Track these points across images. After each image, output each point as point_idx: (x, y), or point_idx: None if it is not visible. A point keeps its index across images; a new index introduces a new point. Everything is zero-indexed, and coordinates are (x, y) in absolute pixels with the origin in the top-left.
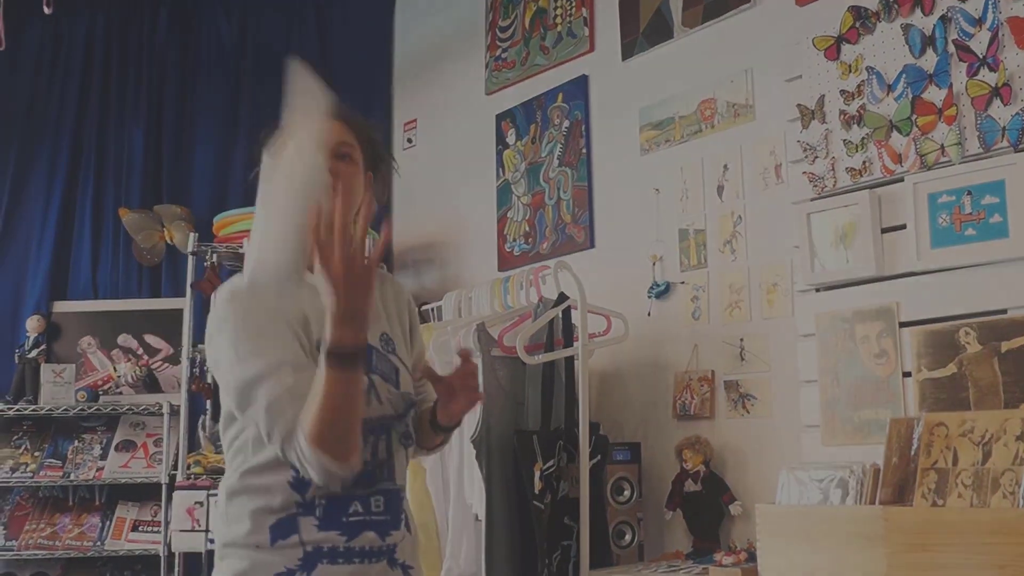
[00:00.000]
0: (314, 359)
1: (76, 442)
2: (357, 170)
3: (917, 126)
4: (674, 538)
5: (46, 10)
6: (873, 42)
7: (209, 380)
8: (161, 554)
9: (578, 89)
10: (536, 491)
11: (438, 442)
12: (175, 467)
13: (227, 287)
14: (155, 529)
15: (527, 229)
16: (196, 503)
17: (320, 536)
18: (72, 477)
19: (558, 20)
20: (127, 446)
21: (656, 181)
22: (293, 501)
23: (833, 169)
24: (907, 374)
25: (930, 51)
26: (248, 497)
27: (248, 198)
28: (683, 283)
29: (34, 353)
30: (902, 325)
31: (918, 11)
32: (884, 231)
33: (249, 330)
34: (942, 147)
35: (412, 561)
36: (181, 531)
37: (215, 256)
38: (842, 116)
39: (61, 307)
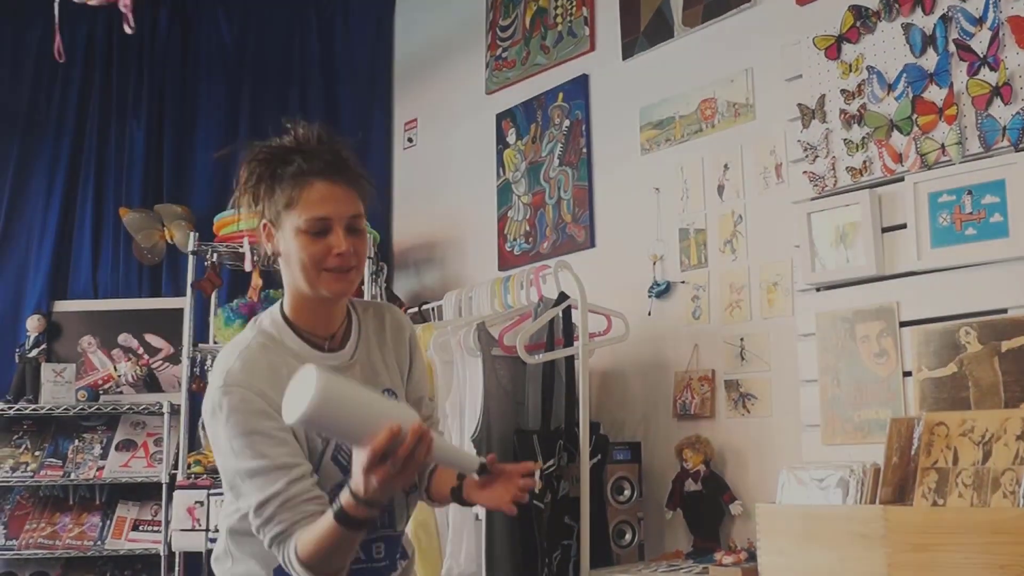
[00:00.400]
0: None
1: (76, 441)
2: (365, 238)
3: (918, 125)
4: (674, 538)
5: (128, 30)
6: (874, 41)
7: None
8: (161, 553)
9: (578, 88)
10: (536, 491)
11: (446, 502)
12: (175, 466)
13: (220, 369)
14: (155, 528)
15: (527, 228)
16: (196, 502)
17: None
18: (72, 476)
19: (558, 19)
20: (127, 445)
21: (656, 180)
22: None
23: (833, 168)
24: (907, 373)
25: (931, 50)
26: (252, 540)
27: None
28: (683, 283)
29: (34, 352)
30: (902, 324)
31: (919, 10)
32: (884, 230)
33: (241, 426)
34: (942, 146)
35: None
36: (181, 530)
37: (215, 255)
38: (842, 115)
39: (61, 306)
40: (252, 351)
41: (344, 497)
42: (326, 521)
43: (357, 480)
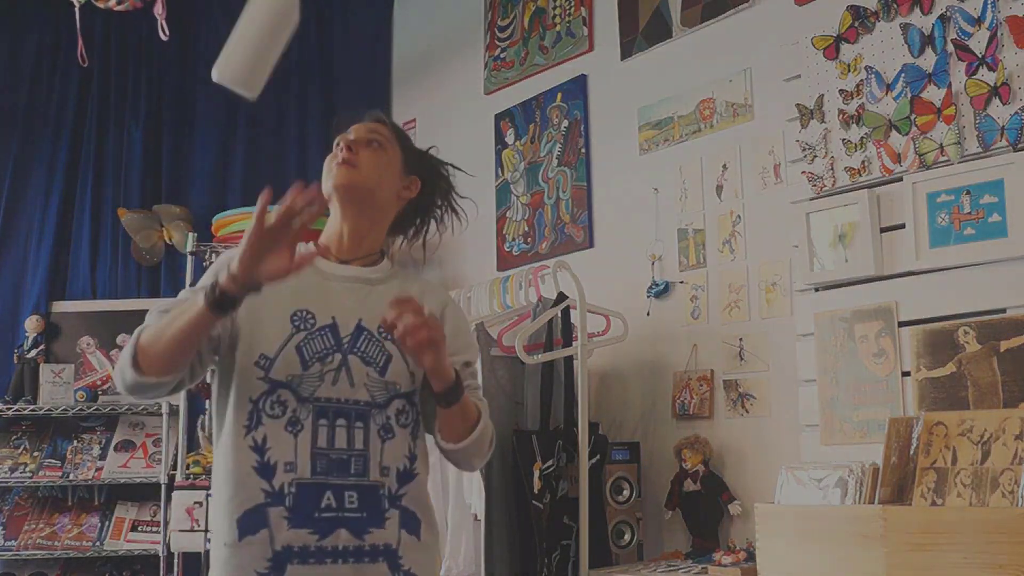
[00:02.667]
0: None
1: (75, 442)
2: (385, 156)
3: (916, 125)
4: (673, 538)
5: (163, 36)
6: (872, 41)
7: (208, 380)
8: (160, 554)
9: (577, 89)
10: (535, 491)
11: (459, 424)
12: (174, 467)
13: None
14: (154, 529)
15: (526, 229)
16: (195, 503)
17: (290, 534)
18: (71, 477)
19: (557, 20)
20: (126, 446)
21: (655, 181)
22: (260, 489)
23: (832, 168)
24: (906, 373)
25: (929, 50)
26: (220, 487)
27: (247, 198)
28: (682, 283)
29: (33, 353)
30: (901, 324)
31: (917, 10)
32: (883, 230)
33: (206, 280)
34: (941, 146)
35: (423, 569)
36: (180, 531)
37: (214, 256)
38: (841, 115)
39: (60, 307)
40: None
41: (221, 277)
42: (186, 304)
43: (239, 250)
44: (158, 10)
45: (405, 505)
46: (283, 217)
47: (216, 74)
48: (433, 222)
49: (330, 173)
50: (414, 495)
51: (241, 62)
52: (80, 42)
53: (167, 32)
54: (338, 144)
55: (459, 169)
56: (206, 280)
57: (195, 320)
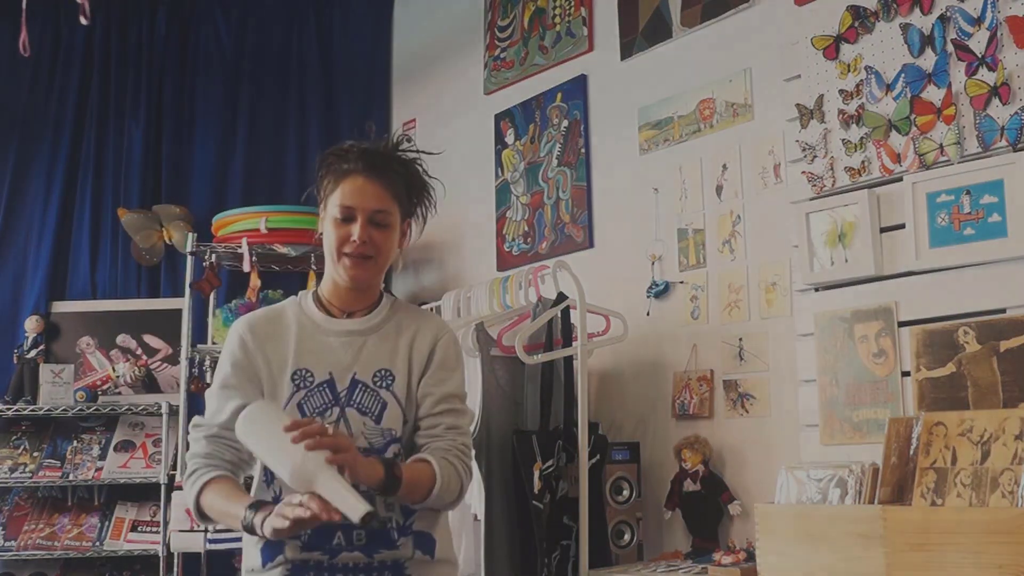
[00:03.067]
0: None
1: (75, 442)
2: (391, 234)
3: (916, 125)
4: (673, 538)
5: (83, 21)
6: (872, 41)
7: (208, 380)
8: (160, 554)
9: (577, 89)
10: (535, 491)
11: (405, 497)
12: (174, 467)
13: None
14: (154, 529)
15: (526, 229)
16: None
17: (303, 555)
18: (71, 477)
19: (557, 20)
20: (126, 446)
21: (655, 181)
22: None
23: (832, 168)
24: (906, 373)
25: (929, 50)
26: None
27: (247, 198)
28: (682, 283)
29: (33, 353)
30: (901, 324)
31: (917, 10)
32: (883, 230)
33: (225, 352)
34: (941, 146)
35: None
36: (180, 531)
37: (214, 256)
38: (841, 115)
39: (60, 307)
40: (265, 311)
41: (257, 518)
42: (233, 508)
43: (278, 522)
44: None
45: (417, 530)
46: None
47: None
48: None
49: (340, 261)
50: (425, 519)
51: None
52: (23, 32)
53: (88, 17)
54: (345, 218)
55: (434, 179)
56: (224, 368)
57: (233, 521)
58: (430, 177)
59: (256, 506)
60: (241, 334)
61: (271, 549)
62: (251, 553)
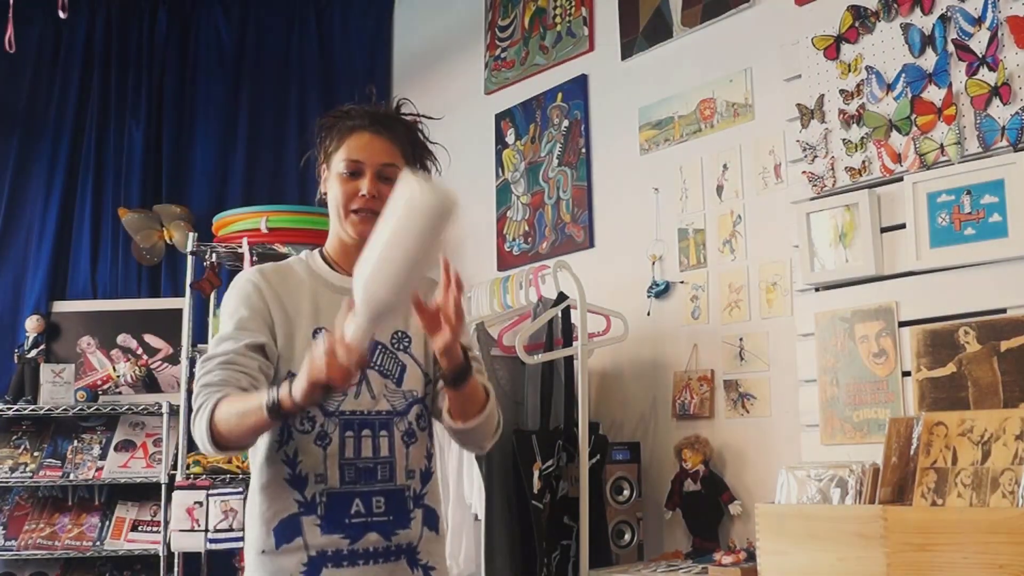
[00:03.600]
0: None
1: (75, 442)
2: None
3: (916, 125)
4: (673, 538)
5: (61, 14)
6: (872, 41)
7: None
8: (160, 554)
9: (577, 89)
10: (535, 491)
11: (469, 406)
12: (174, 467)
13: (242, 272)
14: (154, 529)
15: (526, 229)
16: (195, 503)
17: (323, 540)
18: (71, 477)
19: (557, 20)
20: (126, 446)
21: (655, 180)
22: (293, 500)
23: (832, 168)
24: (906, 373)
25: (929, 50)
26: (255, 499)
27: (247, 198)
28: (682, 283)
29: (33, 353)
30: (901, 324)
31: (917, 10)
32: (883, 230)
33: (234, 300)
34: (941, 146)
35: (437, 561)
36: (180, 531)
37: (214, 256)
38: (841, 115)
39: (60, 307)
40: (272, 264)
41: (283, 391)
42: (253, 402)
43: (304, 381)
44: None
45: (427, 503)
46: (350, 368)
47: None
48: None
49: (348, 217)
50: (433, 492)
51: (384, 284)
52: (10, 29)
53: (65, 8)
54: (352, 172)
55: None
56: (239, 312)
57: (260, 423)
58: (431, 143)
59: (278, 384)
60: (255, 282)
61: (286, 530)
62: (261, 534)
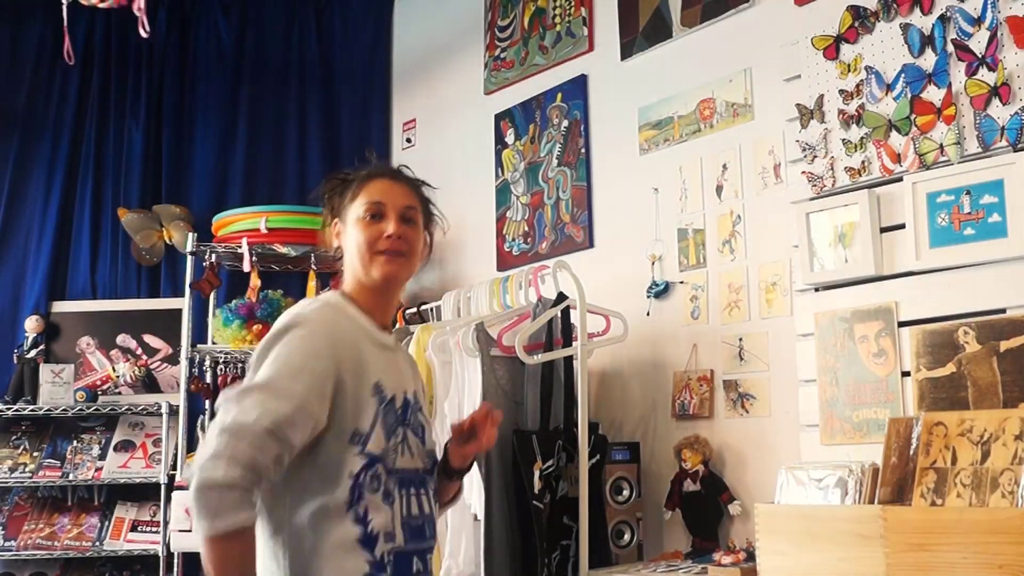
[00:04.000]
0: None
1: (75, 442)
2: (419, 232)
3: (916, 125)
4: (673, 538)
5: (143, 34)
6: (872, 42)
7: (208, 380)
8: (160, 554)
9: (577, 89)
10: (535, 491)
11: (452, 493)
12: (174, 467)
13: (294, 312)
14: (154, 529)
15: (526, 229)
16: None
17: (408, 545)
18: (71, 477)
19: (557, 20)
20: (126, 446)
21: (655, 181)
22: (364, 561)
23: (832, 168)
24: (906, 373)
25: (929, 50)
26: (313, 563)
27: (247, 198)
28: (682, 283)
29: (33, 353)
30: (901, 324)
31: (917, 10)
32: (883, 230)
33: (299, 352)
34: (941, 147)
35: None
36: (180, 531)
37: (214, 256)
38: (841, 116)
39: (60, 307)
40: (322, 309)
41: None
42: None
43: None
44: (138, 6)
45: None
46: None
47: None
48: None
49: (374, 260)
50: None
51: None
52: (67, 41)
53: (147, 29)
54: (375, 215)
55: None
56: (307, 371)
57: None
58: (433, 205)
59: (324, 440)
60: (333, 336)
61: (373, 541)
62: (350, 540)
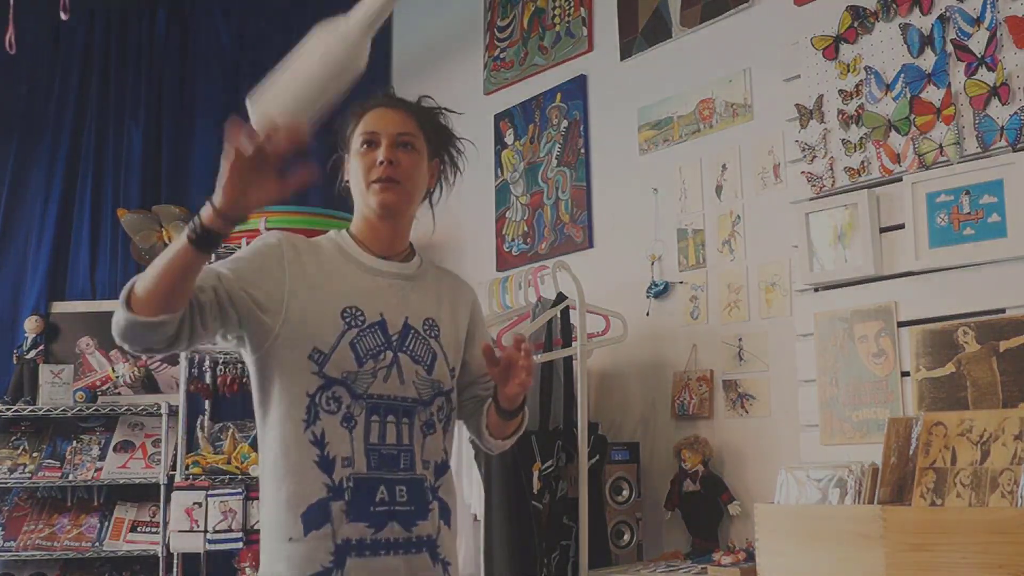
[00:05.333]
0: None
1: (74, 443)
2: (419, 159)
3: (915, 126)
4: (673, 538)
5: (63, 16)
6: (871, 42)
7: (208, 380)
8: (160, 555)
9: (577, 89)
10: (535, 491)
11: (511, 429)
12: (173, 467)
13: (271, 232)
14: (153, 530)
15: (526, 229)
16: (194, 503)
17: (349, 528)
18: (71, 478)
19: (556, 20)
20: (125, 446)
21: (655, 181)
22: (321, 483)
23: (831, 169)
24: (905, 373)
25: (928, 51)
26: (278, 484)
27: None
28: (682, 283)
29: (32, 354)
30: (900, 324)
31: (916, 11)
32: (882, 230)
33: (239, 253)
34: (940, 147)
35: (453, 557)
36: (179, 531)
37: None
38: (840, 116)
39: (59, 307)
40: (303, 238)
41: (203, 210)
42: (174, 245)
43: (219, 182)
44: None
45: (442, 496)
46: (259, 145)
47: (251, 108)
48: (442, 182)
49: (370, 188)
50: (447, 486)
51: (281, 106)
52: (10, 29)
53: (67, 10)
54: (369, 143)
55: (462, 139)
56: (242, 260)
57: (179, 257)
58: (457, 136)
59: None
60: (281, 247)
61: (315, 516)
62: (287, 520)
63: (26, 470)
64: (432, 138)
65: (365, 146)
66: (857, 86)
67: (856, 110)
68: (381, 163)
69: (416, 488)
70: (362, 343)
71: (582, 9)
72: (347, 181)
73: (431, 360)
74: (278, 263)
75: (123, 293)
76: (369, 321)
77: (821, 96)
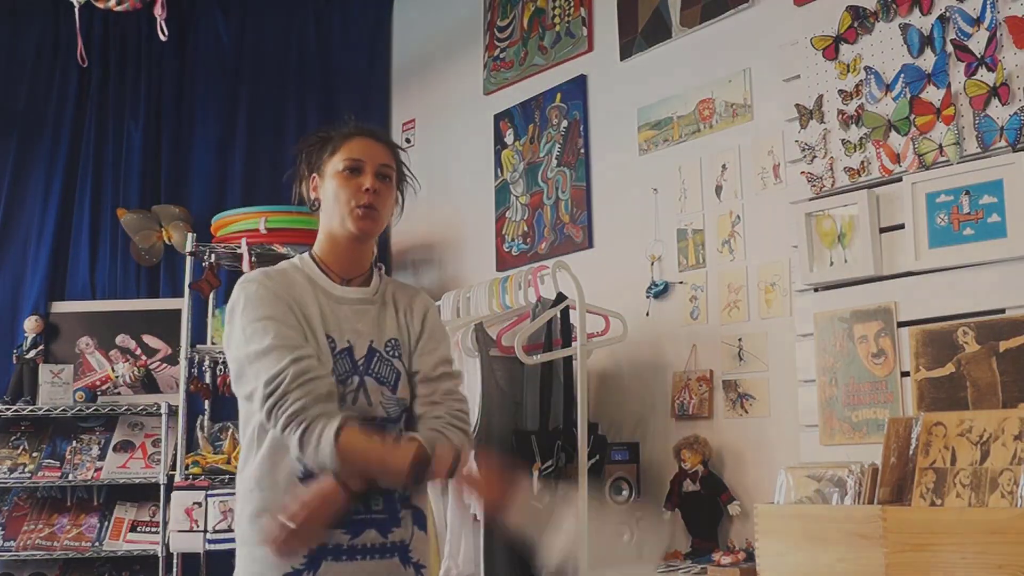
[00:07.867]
0: (313, 342)
1: (74, 442)
2: (392, 190)
3: (915, 126)
4: (673, 538)
5: (162, 37)
6: (871, 42)
7: (207, 380)
8: (159, 554)
9: (576, 89)
10: (534, 491)
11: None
12: (173, 467)
13: (243, 278)
14: (153, 529)
15: (525, 229)
16: (194, 503)
17: (325, 534)
18: (70, 477)
19: (556, 20)
20: (125, 446)
21: (654, 181)
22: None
23: (831, 169)
24: (905, 374)
25: (928, 51)
26: (259, 495)
27: (247, 198)
28: (681, 283)
29: (32, 353)
30: (900, 325)
31: (916, 11)
32: (882, 231)
33: (254, 311)
34: (940, 147)
35: (425, 560)
36: (179, 531)
37: (213, 256)
38: (840, 116)
39: (59, 307)
40: (274, 269)
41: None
42: (378, 449)
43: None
44: (158, 11)
45: (414, 504)
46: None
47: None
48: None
49: (351, 214)
50: (417, 492)
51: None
52: (80, 43)
53: (166, 33)
54: (353, 169)
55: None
56: (270, 319)
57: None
58: (407, 167)
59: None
60: (269, 287)
61: (312, 479)
62: (268, 525)
63: (26, 470)
64: (399, 171)
65: (348, 171)
66: (857, 86)
67: (856, 110)
68: (367, 190)
69: (389, 498)
70: (336, 368)
71: (582, 9)
72: (318, 199)
73: (395, 380)
74: (283, 304)
75: (330, 450)
76: (339, 348)
77: (821, 96)
